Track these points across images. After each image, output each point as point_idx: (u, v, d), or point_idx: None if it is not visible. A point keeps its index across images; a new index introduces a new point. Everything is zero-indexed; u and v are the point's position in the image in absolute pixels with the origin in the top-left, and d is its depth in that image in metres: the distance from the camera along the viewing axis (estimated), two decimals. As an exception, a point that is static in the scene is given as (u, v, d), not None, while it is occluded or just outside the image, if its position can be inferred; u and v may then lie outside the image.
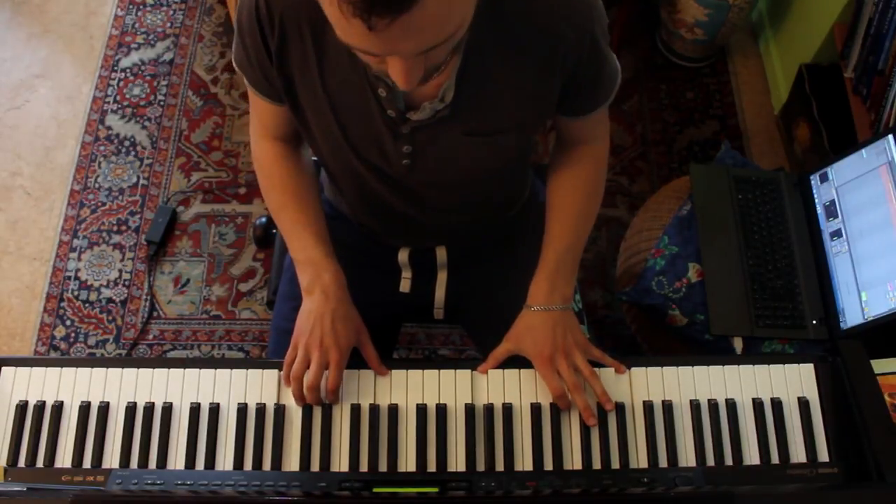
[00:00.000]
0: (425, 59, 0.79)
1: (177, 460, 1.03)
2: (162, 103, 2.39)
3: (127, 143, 2.32)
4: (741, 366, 1.09)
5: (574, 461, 1.04)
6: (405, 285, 1.32)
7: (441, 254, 1.30)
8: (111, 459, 1.03)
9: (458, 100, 0.96)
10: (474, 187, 1.15)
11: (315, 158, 1.20)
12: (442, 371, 1.09)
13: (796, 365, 1.09)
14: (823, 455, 1.04)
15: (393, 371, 1.09)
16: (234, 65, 1.06)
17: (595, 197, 1.20)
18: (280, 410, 1.06)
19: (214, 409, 1.06)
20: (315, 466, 1.03)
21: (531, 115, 1.03)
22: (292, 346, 1.08)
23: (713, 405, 1.07)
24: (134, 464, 1.03)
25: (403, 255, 1.30)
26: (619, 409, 1.07)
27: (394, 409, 1.06)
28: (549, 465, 1.04)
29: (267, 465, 1.03)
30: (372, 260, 1.30)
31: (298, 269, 1.13)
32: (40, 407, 1.05)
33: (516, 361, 1.11)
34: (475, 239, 1.32)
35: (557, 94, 1.01)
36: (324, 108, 1.01)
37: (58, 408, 1.05)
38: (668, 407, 1.06)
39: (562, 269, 1.14)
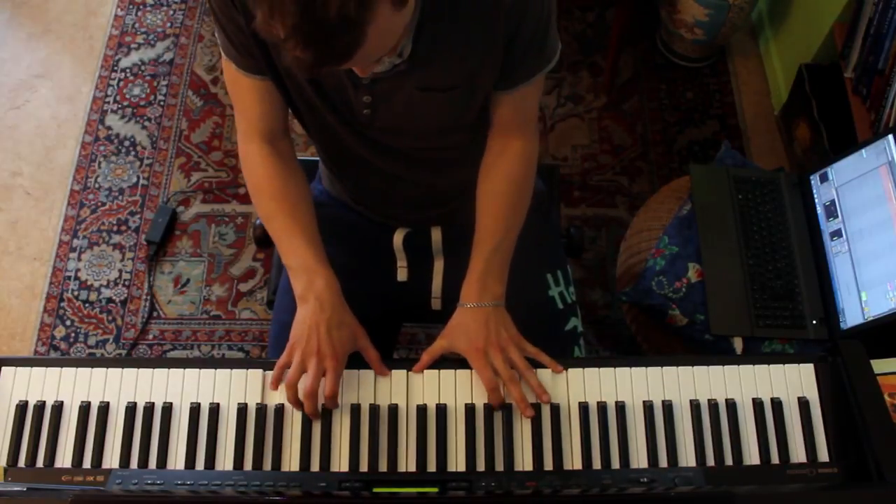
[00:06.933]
0: None
1: (177, 460, 1.03)
2: (162, 103, 2.39)
3: (127, 143, 2.32)
4: (741, 366, 1.09)
5: (574, 461, 1.04)
6: (402, 274, 1.33)
7: (436, 236, 1.32)
8: (111, 459, 1.03)
9: (414, 55, 0.99)
10: (435, 140, 1.16)
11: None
12: (442, 371, 1.09)
13: (796, 365, 1.09)
14: (823, 455, 1.04)
15: (393, 371, 1.09)
16: (223, 58, 1.08)
17: (525, 195, 1.20)
18: (280, 410, 1.06)
19: (214, 409, 1.06)
20: (315, 466, 1.03)
21: (481, 73, 1.06)
22: (286, 354, 1.08)
23: (713, 405, 1.07)
24: (134, 464, 1.03)
25: (398, 239, 1.31)
26: (620, 408, 1.07)
27: (394, 410, 1.06)
28: (549, 465, 1.04)
29: (267, 465, 1.03)
30: (370, 247, 1.32)
31: (291, 275, 1.13)
32: (40, 407, 1.05)
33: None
34: (468, 218, 1.32)
35: (501, 55, 1.03)
36: None
37: (58, 408, 1.05)
38: (668, 407, 1.06)
39: (491, 269, 1.15)
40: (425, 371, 1.09)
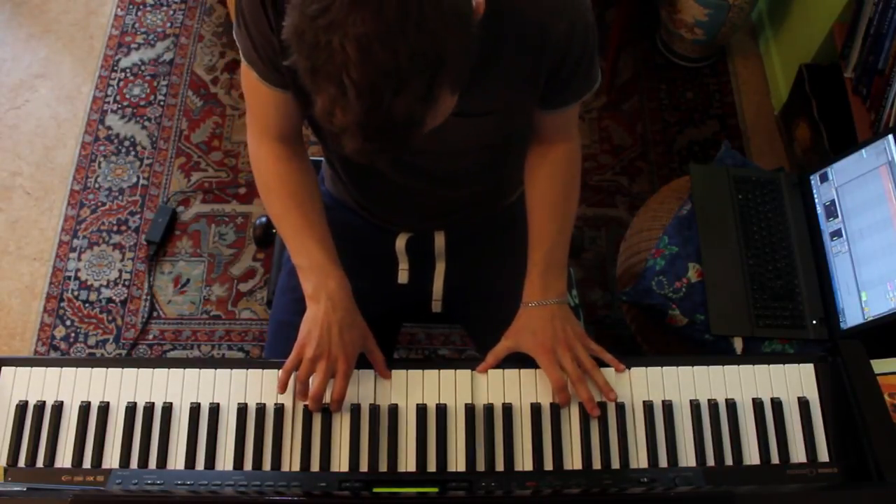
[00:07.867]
0: None
1: (177, 460, 1.03)
2: (162, 103, 2.39)
3: (127, 143, 2.32)
4: (741, 366, 1.10)
5: (574, 461, 1.04)
6: (403, 276, 1.33)
7: (439, 240, 1.31)
8: (111, 459, 1.03)
9: None
10: (459, 160, 1.16)
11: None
12: (442, 371, 1.09)
13: (796, 365, 1.09)
14: (823, 455, 1.04)
15: (393, 371, 1.09)
16: (242, 61, 1.05)
17: (573, 193, 1.21)
18: (280, 410, 1.06)
19: (214, 409, 1.06)
20: (315, 466, 1.03)
21: (517, 102, 1.06)
22: (295, 353, 1.07)
23: (713, 405, 1.07)
24: (134, 464, 1.03)
25: (401, 243, 1.31)
26: (619, 408, 1.07)
27: (394, 410, 1.06)
28: (549, 465, 1.04)
29: (267, 465, 1.03)
30: (371, 249, 1.31)
31: (301, 275, 1.12)
32: (40, 407, 1.05)
33: (516, 361, 1.11)
34: (473, 225, 1.32)
35: (543, 84, 1.03)
36: None
37: (58, 408, 1.05)
38: (668, 407, 1.06)
39: (552, 267, 1.15)
40: (424, 371, 1.09)
